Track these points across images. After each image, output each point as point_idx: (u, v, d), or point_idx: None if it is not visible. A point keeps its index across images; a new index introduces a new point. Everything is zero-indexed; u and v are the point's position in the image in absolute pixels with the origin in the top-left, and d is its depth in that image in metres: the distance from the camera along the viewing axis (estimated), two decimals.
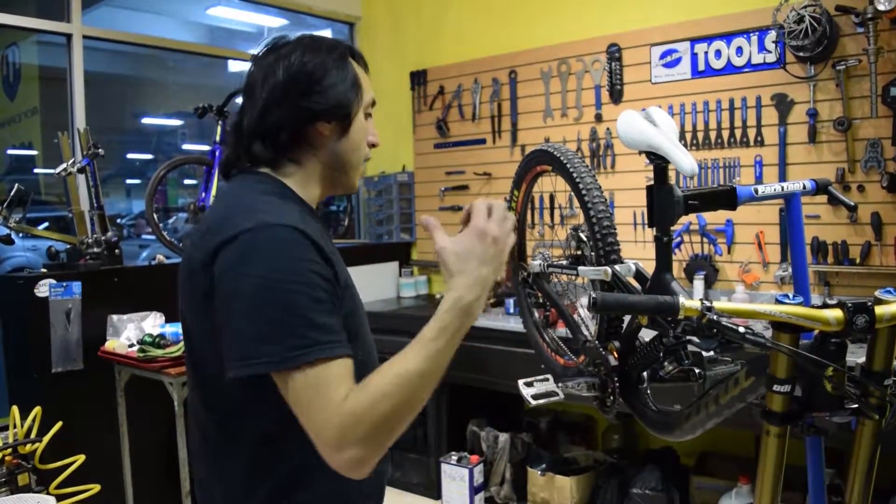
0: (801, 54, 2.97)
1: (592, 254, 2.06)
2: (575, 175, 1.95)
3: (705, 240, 3.37)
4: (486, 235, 1.18)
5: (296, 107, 1.22)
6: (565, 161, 1.97)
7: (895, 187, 2.86)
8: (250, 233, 1.10)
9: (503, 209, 1.22)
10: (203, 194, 3.56)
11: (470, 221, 1.20)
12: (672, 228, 1.73)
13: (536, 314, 2.39)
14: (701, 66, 3.35)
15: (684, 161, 1.57)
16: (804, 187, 1.88)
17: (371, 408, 1.04)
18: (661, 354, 1.70)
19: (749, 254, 3.28)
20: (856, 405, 1.22)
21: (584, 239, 2.18)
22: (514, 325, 3.43)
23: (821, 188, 1.91)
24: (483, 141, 4.16)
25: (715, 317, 1.16)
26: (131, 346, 2.99)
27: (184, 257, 1.24)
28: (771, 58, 3.14)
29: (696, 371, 1.64)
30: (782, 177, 3.16)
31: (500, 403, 3.84)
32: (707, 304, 1.17)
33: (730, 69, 3.27)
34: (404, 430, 1.10)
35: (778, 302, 1.21)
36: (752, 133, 3.24)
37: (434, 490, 3.60)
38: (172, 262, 3.68)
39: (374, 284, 4.38)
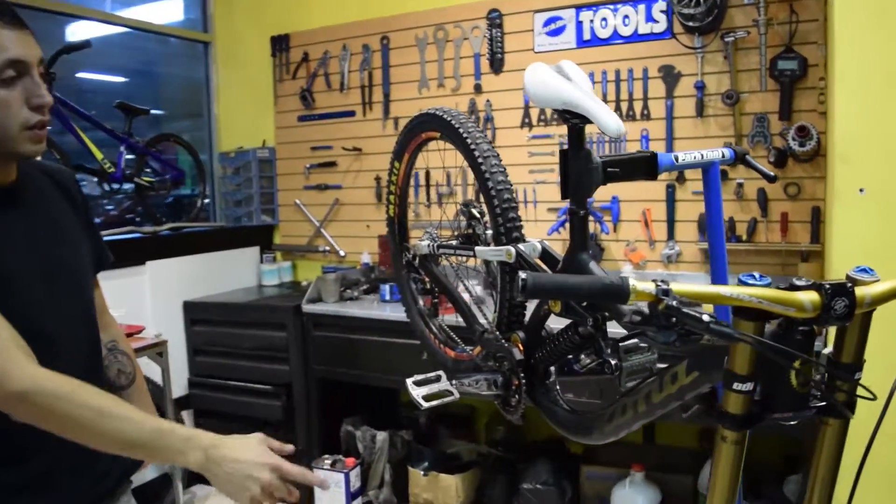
0: (691, 24, 2.85)
1: (488, 232, 1.83)
2: (469, 141, 1.70)
3: (591, 218, 3.22)
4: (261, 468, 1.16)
5: None
6: (457, 125, 1.72)
7: (782, 162, 2.81)
8: None
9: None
10: None
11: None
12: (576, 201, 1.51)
13: (422, 302, 2.12)
14: (586, 35, 3.18)
15: (609, 120, 1.34)
16: (723, 156, 1.73)
17: (35, 392, 1.11)
18: (578, 345, 1.49)
19: (635, 232, 3.16)
20: (822, 402, 1.05)
21: (477, 216, 1.93)
22: (391, 313, 3.15)
23: (739, 157, 1.77)
24: (352, 113, 3.82)
25: (674, 302, 0.94)
26: None
27: None
28: (658, 28, 3.01)
29: (612, 363, 1.43)
30: (669, 151, 3.05)
31: (376, 399, 3.55)
32: (663, 286, 0.94)
33: (616, 38, 3.12)
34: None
35: (741, 283, 1.01)
36: (638, 106, 3.11)
37: (306, 498, 3.26)
38: None
39: (233, 272, 3.93)
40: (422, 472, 3.06)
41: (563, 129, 3.22)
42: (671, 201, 3.08)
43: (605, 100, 3.17)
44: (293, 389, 3.27)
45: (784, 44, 2.78)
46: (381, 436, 3.17)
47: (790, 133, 2.70)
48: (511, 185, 1.66)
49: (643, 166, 1.57)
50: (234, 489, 1.16)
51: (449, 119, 1.74)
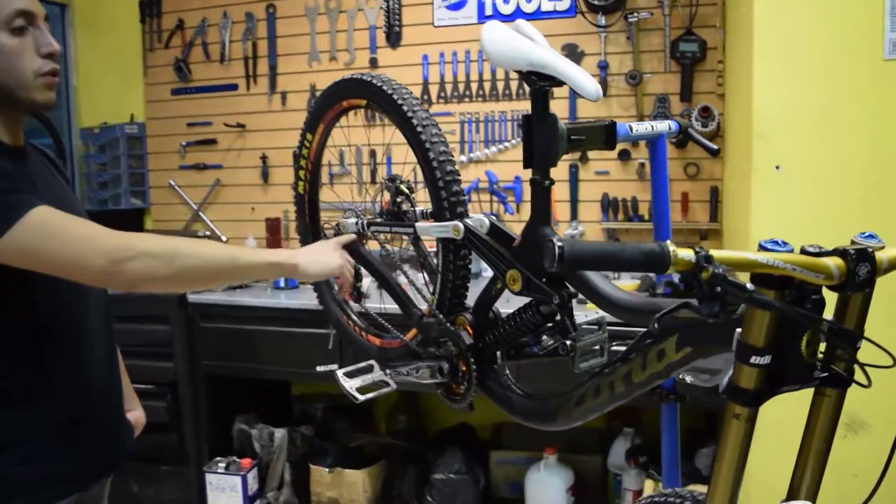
0: (596, 3, 2.83)
1: (417, 209, 1.72)
2: (406, 109, 1.57)
3: (495, 198, 3.16)
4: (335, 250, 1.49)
5: None
6: (391, 91, 1.58)
7: (682, 143, 2.85)
8: None
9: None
10: None
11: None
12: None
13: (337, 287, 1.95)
14: (488, 11, 3.09)
15: (587, 82, 1.27)
16: (669, 128, 1.74)
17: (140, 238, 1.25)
18: (537, 326, 1.40)
19: None
20: (826, 373, 1.02)
21: (406, 191, 1.80)
22: (286, 300, 2.95)
23: (683, 130, 1.78)
24: (235, 87, 3.53)
25: (720, 270, 0.86)
26: None
27: None
28: (562, 5, 2.98)
29: (567, 343, 1.36)
30: None
31: (267, 394, 3.32)
32: (704, 253, 0.87)
33: (519, 15, 3.05)
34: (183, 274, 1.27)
35: (763, 249, 0.96)
36: None
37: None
38: None
39: None
40: (326, 469, 2.88)
41: (464, 107, 3.18)
42: (574, 181, 3.07)
43: (507, 77, 3.11)
44: (179, 387, 2.98)
45: (685, 26, 2.83)
46: (280, 433, 2.96)
47: (693, 114, 2.75)
48: (453, 157, 1.54)
49: (604, 135, 1.50)
50: (323, 264, 1.43)
51: (380, 84, 1.59)
